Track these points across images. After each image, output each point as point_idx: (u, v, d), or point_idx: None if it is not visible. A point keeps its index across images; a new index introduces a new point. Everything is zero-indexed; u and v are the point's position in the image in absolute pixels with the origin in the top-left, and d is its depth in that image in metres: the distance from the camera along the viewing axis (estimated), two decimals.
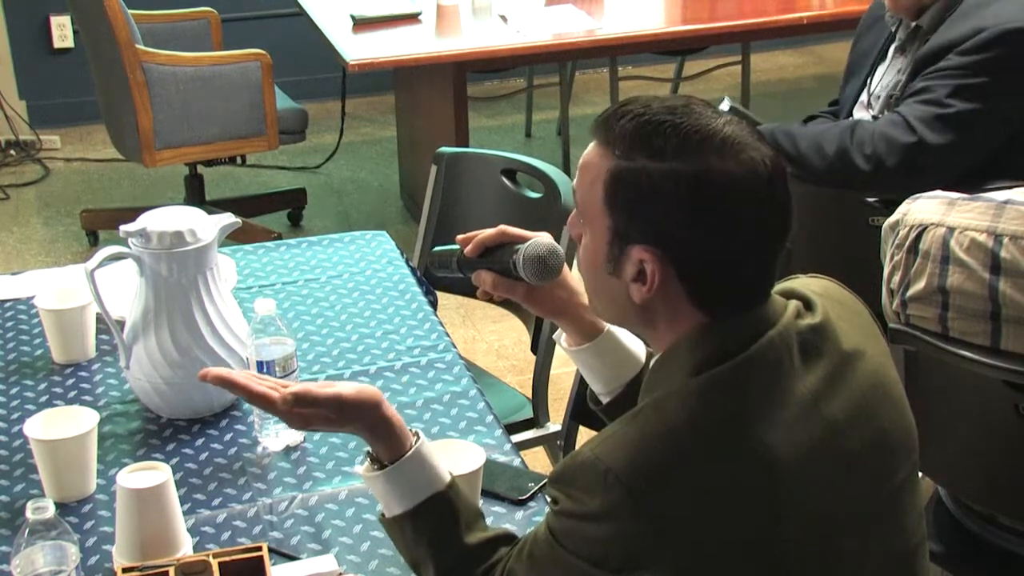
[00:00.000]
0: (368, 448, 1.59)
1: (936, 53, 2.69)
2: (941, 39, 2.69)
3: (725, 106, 2.89)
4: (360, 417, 1.56)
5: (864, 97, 2.94)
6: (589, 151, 1.42)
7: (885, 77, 2.89)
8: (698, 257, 1.37)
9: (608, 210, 1.39)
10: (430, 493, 1.55)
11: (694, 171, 1.34)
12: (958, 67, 2.64)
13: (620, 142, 1.37)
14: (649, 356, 1.68)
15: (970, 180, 2.22)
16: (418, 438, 1.58)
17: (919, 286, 2.04)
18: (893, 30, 2.89)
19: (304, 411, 1.55)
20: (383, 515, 1.60)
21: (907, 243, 2.06)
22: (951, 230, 2.01)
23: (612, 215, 1.39)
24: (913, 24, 2.81)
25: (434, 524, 1.55)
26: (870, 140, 2.69)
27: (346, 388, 1.56)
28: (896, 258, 2.08)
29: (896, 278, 2.08)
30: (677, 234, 1.36)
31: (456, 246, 1.72)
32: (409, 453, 1.55)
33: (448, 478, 1.58)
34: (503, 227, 1.68)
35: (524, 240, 1.66)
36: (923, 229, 2.04)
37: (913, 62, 2.75)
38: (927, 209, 2.06)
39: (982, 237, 1.97)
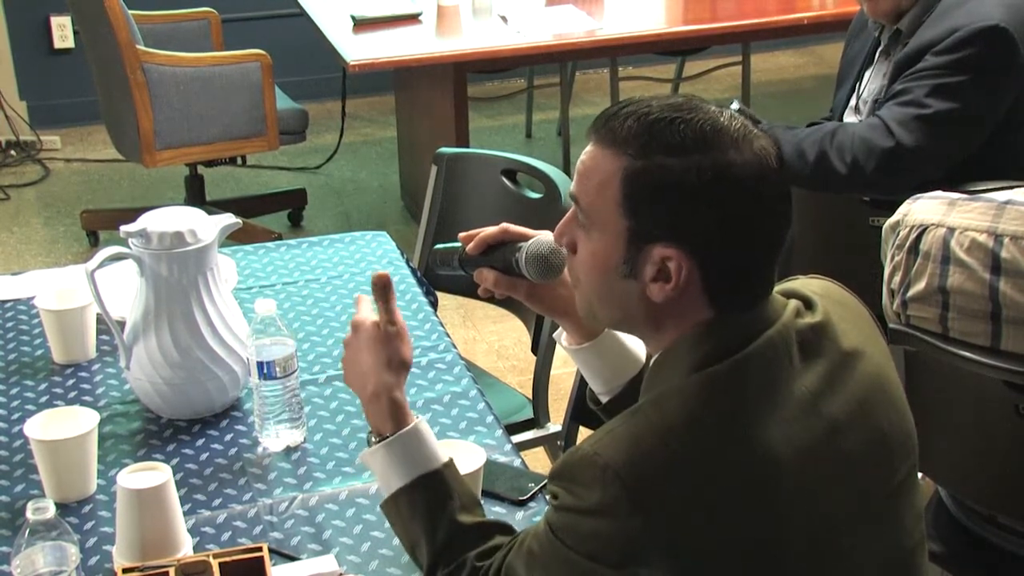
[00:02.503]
0: (370, 432, 1.63)
1: (914, 55, 2.70)
2: (919, 41, 2.70)
3: (733, 108, 2.88)
4: (394, 359, 1.63)
5: (853, 102, 2.94)
6: (591, 156, 1.41)
7: (872, 83, 2.90)
8: (720, 250, 1.36)
9: (625, 211, 1.38)
10: (428, 469, 1.59)
11: (714, 163, 1.34)
12: (935, 67, 2.65)
13: (631, 142, 1.37)
14: (649, 355, 1.68)
15: (951, 181, 2.23)
16: (417, 419, 1.62)
17: (919, 286, 2.04)
18: (877, 35, 2.89)
19: (368, 318, 1.65)
20: (382, 503, 1.62)
21: (907, 243, 2.06)
22: (951, 230, 2.01)
23: (630, 216, 1.37)
24: (894, 28, 2.82)
25: (429, 499, 1.57)
26: (849, 144, 2.70)
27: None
28: (896, 259, 2.08)
29: (897, 278, 2.08)
30: (700, 228, 1.35)
31: (458, 244, 1.73)
32: (410, 426, 1.60)
33: (446, 459, 1.61)
34: (505, 225, 1.69)
35: (526, 238, 1.67)
36: (923, 230, 2.04)
37: (893, 65, 2.76)
38: (927, 209, 2.06)
39: (982, 237, 1.97)
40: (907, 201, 2.12)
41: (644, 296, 1.40)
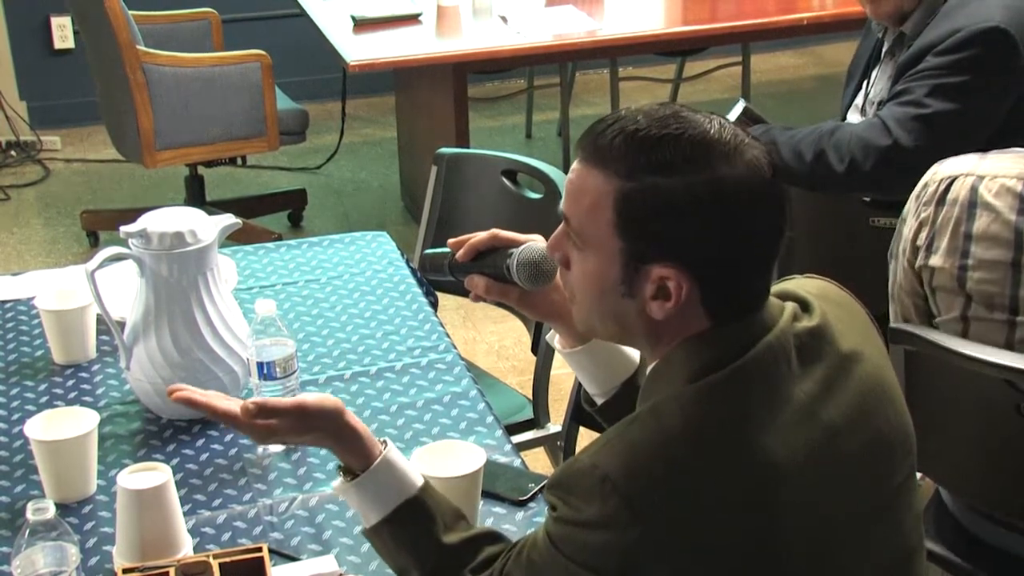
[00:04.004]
0: (340, 463, 1.59)
1: (917, 56, 2.71)
2: (921, 42, 2.71)
3: (739, 108, 2.89)
4: (324, 424, 1.55)
5: (859, 101, 2.95)
6: (580, 174, 1.38)
7: (877, 84, 2.90)
8: (716, 266, 1.35)
9: (621, 233, 1.36)
10: (404, 498, 1.54)
11: (707, 181, 1.32)
12: (935, 67, 2.66)
13: (619, 162, 1.35)
14: (644, 358, 1.68)
15: None
16: (386, 445, 1.57)
17: (944, 236, 2.05)
18: (880, 36, 2.90)
19: (268, 422, 1.55)
20: (363, 531, 1.59)
21: (936, 196, 2.06)
22: (980, 178, 2.02)
23: (626, 238, 1.36)
24: (898, 31, 2.82)
25: (411, 528, 1.54)
26: (847, 143, 2.70)
27: (308, 396, 1.58)
28: (924, 215, 2.08)
29: (923, 234, 2.08)
30: (697, 246, 1.34)
31: (447, 249, 1.70)
32: (378, 460, 1.55)
33: (421, 481, 1.57)
34: (495, 231, 1.67)
35: (516, 244, 1.64)
36: (952, 180, 2.05)
37: (897, 67, 2.77)
38: (957, 162, 2.08)
39: (1012, 182, 1.99)
40: (934, 165, 2.13)
41: (643, 313, 1.39)
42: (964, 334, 2.05)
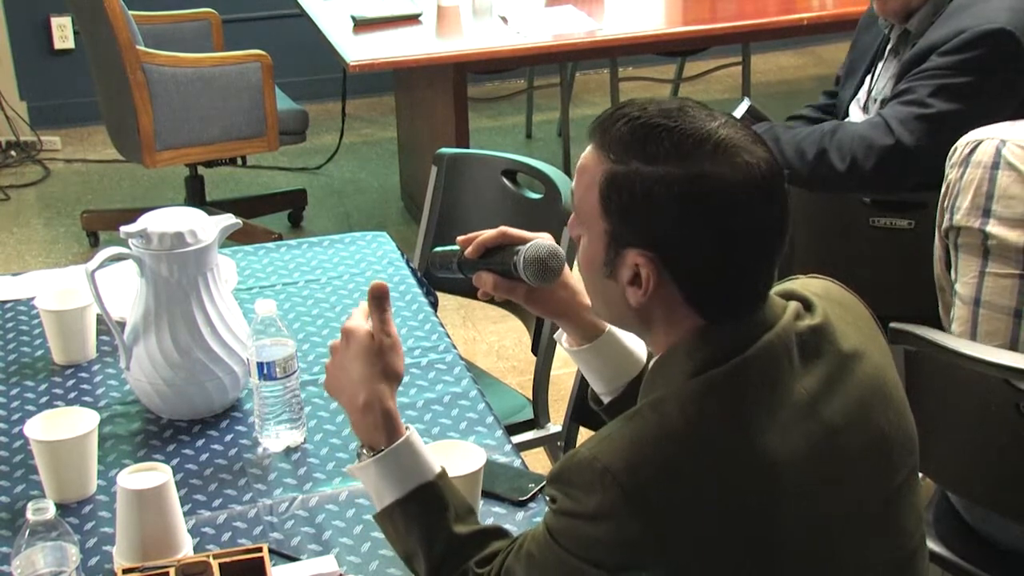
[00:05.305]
0: (361, 445, 1.62)
1: (921, 55, 2.71)
2: (926, 41, 2.71)
3: (744, 107, 2.89)
4: (390, 366, 1.60)
5: (862, 97, 2.94)
6: (586, 154, 1.43)
7: (880, 81, 2.90)
8: (692, 261, 1.37)
9: (604, 214, 1.39)
10: (421, 481, 1.57)
11: (687, 175, 1.33)
12: (939, 67, 2.66)
13: (614, 146, 1.38)
14: (650, 356, 1.68)
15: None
16: (408, 430, 1.60)
17: (967, 195, 2.08)
18: (887, 32, 2.90)
19: (359, 327, 1.62)
20: (375, 514, 1.61)
21: (961, 159, 2.12)
22: (1004, 141, 2.08)
23: (608, 219, 1.39)
24: (903, 28, 2.82)
25: (424, 512, 1.56)
26: (849, 142, 2.70)
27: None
28: (951, 176, 2.13)
29: (949, 195, 2.13)
30: (671, 238, 1.36)
31: (456, 247, 1.72)
32: (401, 439, 1.58)
33: (438, 469, 1.59)
34: (504, 228, 1.69)
35: (525, 241, 1.66)
36: (978, 143, 2.10)
37: (901, 65, 2.77)
38: (987, 129, 2.13)
39: None
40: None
41: (624, 298, 1.41)
42: (978, 293, 2.08)
